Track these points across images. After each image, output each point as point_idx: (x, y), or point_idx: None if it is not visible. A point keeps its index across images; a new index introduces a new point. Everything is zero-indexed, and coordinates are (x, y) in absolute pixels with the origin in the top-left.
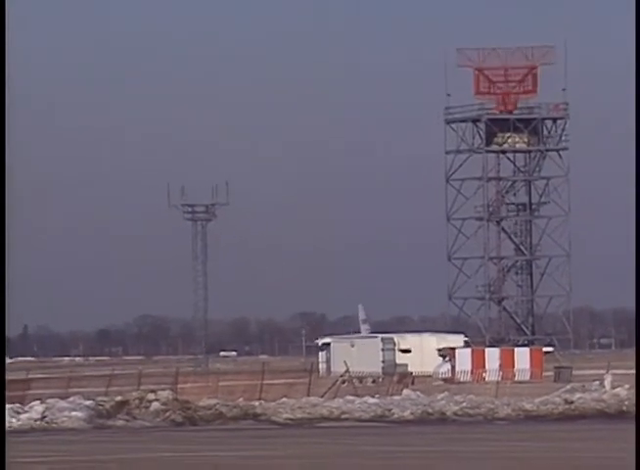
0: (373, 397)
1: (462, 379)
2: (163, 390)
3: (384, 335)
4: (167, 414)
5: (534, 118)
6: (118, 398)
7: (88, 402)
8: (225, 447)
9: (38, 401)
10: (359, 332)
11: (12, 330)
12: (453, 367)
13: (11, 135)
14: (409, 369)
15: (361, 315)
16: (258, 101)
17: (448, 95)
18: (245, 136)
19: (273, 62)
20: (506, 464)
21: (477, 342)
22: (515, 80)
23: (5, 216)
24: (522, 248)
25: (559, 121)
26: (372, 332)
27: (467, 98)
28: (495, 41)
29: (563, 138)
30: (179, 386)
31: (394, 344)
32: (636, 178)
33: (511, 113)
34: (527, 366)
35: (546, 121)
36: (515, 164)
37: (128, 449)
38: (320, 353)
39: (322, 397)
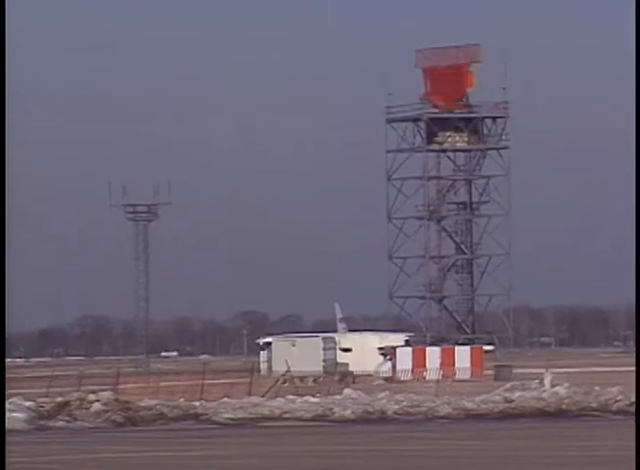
0: (314, 396)
1: (403, 378)
2: (104, 390)
3: (324, 334)
4: (108, 415)
5: (475, 117)
6: (59, 399)
7: (28, 404)
8: (165, 448)
9: None
10: (300, 332)
11: None
12: (394, 366)
13: None
14: (350, 368)
15: (338, 314)
16: (203, 99)
17: (389, 94)
18: (188, 135)
19: (214, 58)
20: (444, 463)
21: (417, 341)
22: (455, 79)
23: (5, 216)
24: (462, 247)
25: (499, 120)
26: (318, 332)
27: (413, 98)
28: (437, 41)
29: (503, 137)
30: (120, 386)
31: (335, 343)
32: (636, 178)
33: (452, 111)
34: (468, 365)
35: (486, 121)
36: (455, 164)
37: (69, 450)
38: (261, 353)
39: (263, 396)
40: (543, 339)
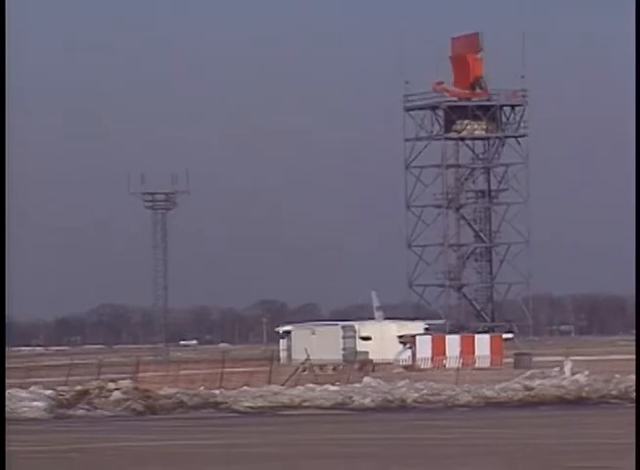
0: (333, 384)
1: (422, 366)
2: (124, 379)
3: (344, 323)
4: (128, 403)
5: (493, 105)
6: (79, 387)
7: (48, 392)
8: (185, 436)
9: None
10: (320, 320)
11: None
12: (414, 354)
13: None
14: (370, 357)
15: (375, 302)
16: (223, 91)
17: (407, 83)
18: (205, 126)
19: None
20: (464, 451)
21: (437, 329)
22: (467, 67)
23: (5, 216)
24: (481, 235)
25: (517, 108)
26: (335, 320)
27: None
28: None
29: (521, 125)
30: (139, 375)
31: (355, 331)
32: (636, 178)
33: (470, 99)
34: (487, 353)
35: (504, 108)
36: (474, 152)
37: (89, 439)
38: (281, 341)
39: (283, 385)
40: (562, 327)
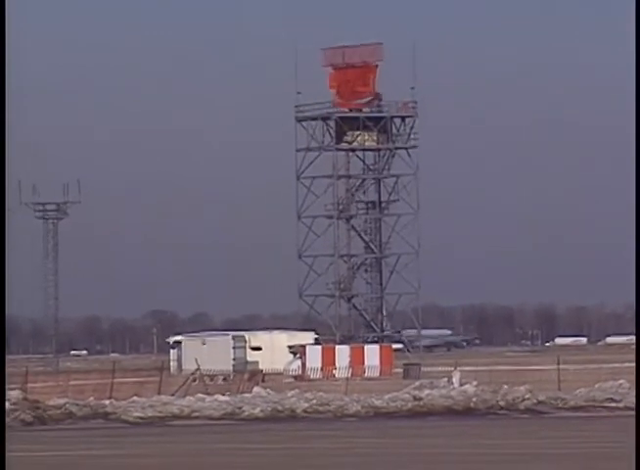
0: (223, 394)
1: (312, 376)
2: (13, 389)
3: (234, 333)
4: (17, 414)
5: (383, 117)
6: None
7: None
8: (73, 447)
9: None
10: (212, 330)
11: None
12: (304, 364)
13: None
14: (260, 367)
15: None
16: (113, 98)
17: (299, 93)
18: (97, 134)
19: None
20: (350, 460)
21: (327, 339)
22: (361, 77)
23: (5, 217)
24: (371, 245)
25: (407, 120)
26: (227, 330)
27: (322, 96)
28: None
29: (412, 136)
30: (29, 385)
31: (245, 341)
32: (636, 178)
33: (361, 110)
34: (377, 363)
35: (395, 120)
36: (364, 163)
37: None
38: (171, 352)
39: (173, 395)
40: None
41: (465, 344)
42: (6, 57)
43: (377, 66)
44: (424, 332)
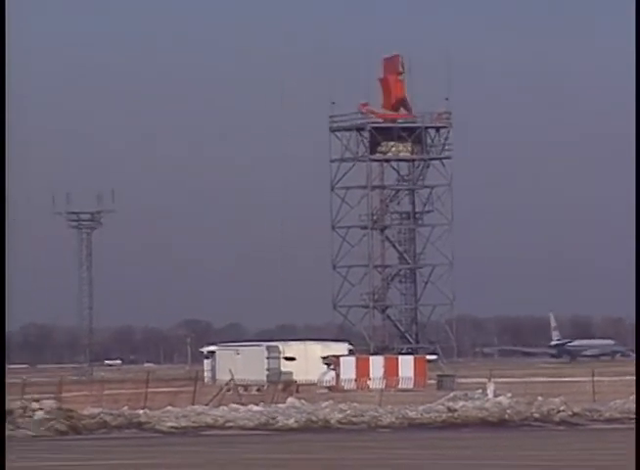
0: (257, 405)
1: (346, 387)
2: (47, 399)
3: (268, 343)
4: (51, 423)
5: (418, 127)
6: None
7: None
8: (107, 456)
9: None
10: (244, 341)
11: None
12: (338, 375)
13: None
14: (294, 377)
15: (552, 323)
16: (140, 107)
17: (333, 103)
18: (134, 143)
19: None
20: None
21: (361, 350)
22: (391, 88)
23: (5, 217)
24: (405, 256)
25: (442, 130)
26: (260, 341)
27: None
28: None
29: (446, 147)
30: (63, 395)
31: (279, 352)
32: (636, 179)
33: (395, 121)
34: (411, 374)
35: (429, 130)
36: (399, 173)
37: (10, 459)
38: (205, 362)
39: (207, 405)
40: (486, 349)
41: (631, 353)
42: (27, 60)
43: (399, 76)
44: (588, 342)
